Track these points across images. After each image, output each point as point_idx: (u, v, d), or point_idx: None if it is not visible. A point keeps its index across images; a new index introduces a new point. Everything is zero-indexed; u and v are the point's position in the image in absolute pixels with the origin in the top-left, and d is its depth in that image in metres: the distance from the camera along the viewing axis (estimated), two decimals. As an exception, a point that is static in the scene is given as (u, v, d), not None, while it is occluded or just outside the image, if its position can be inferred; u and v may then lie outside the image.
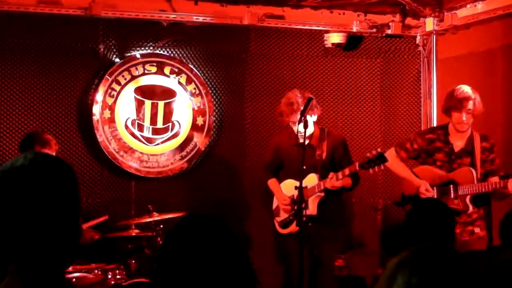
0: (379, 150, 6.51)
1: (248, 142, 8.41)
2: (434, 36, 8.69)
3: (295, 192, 6.79)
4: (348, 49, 8.76)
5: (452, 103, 6.71)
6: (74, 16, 7.80)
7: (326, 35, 8.63)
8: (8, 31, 7.69)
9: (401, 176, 7.09)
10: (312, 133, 7.05)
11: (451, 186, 6.71)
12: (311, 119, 6.97)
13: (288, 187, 7.12)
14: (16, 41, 7.72)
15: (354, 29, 8.66)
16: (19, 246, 2.23)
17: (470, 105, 6.67)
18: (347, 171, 6.68)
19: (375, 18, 8.71)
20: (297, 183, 6.66)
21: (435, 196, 6.72)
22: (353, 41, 8.73)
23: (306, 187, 6.81)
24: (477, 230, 6.73)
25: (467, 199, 6.65)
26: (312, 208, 6.92)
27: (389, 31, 8.71)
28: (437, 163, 6.85)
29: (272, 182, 7.36)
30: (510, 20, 7.87)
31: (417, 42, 8.87)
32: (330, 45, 8.63)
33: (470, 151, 6.80)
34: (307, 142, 6.78)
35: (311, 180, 6.89)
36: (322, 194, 6.92)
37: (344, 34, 8.60)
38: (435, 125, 8.48)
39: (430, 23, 8.57)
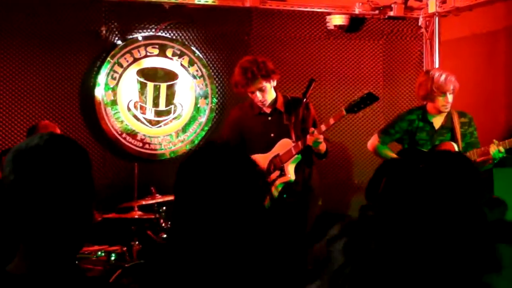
0: (366, 91, 6.44)
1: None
2: (437, 18, 8.67)
3: (264, 165, 6.61)
4: (350, 31, 8.73)
5: (435, 89, 6.88)
6: (76, -1, 7.80)
7: (328, 17, 8.61)
8: (10, 15, 7.67)
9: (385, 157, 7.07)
10: (276, 100, 6.81)
11: None
12: (271, 85, 6.72)
13: (258, 161, 6.84)
14: (17, 25, 7.70)
15: (357, 11, 8.64)
16: (30, 226, 2.24)
17: (452, 86, 6.88)
18: (331, 120, 6.38)
19: (378, 0, 8.68)
20: (265, 156, 6.50)
21: None
22: (356, 23, 8.71)
23: (278, 154, 6.62)
24: None
25: None
26: (290, 174, 6.61)
27: (391, 13, 8.69)
28: (419, 142, 7.04)
29: None
30: (512, 1, 7.86)
31: (419, 24, 8.84)
32: (332, 27, 8.61)
33: (449, 127, 7.01)
34: (270, 110, 6.70)
35: (284, 145, 6.64)
36: (299, 155, 6.53)
37: (346, 16, 8.57)
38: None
39: (432, 5, 8.54)
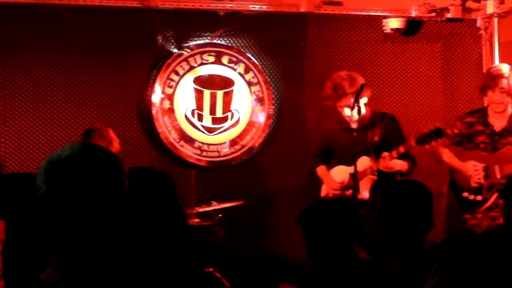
0: (436, 124, 6.45)
1: (307, 130, 8.32)
2: (496, 19, 8.53)
3: (346, 178, 6.75)
4: (407, 34, 8.62)
5: (486, 81, 6.74)
6: (132, 8, 7.84)
7: (384, 20, 8.51)
8: (67, 25, 7.76)
9: (445, 162, 7.02)
10: (364, 115, 6.83)
11: (496, 166, 6.68)
12: (362, 101, 6.79)
13: (339, 173, 7.01)
14: (75, 34, 7.79)
15: (413, 14, 8.52)
16: (64, 236, 2.24)
17: (503, 83, 6.65)
18: (401, 149, 6.54)
19: (435, 2, 8.56)
20: (349, 169, 6.55)
21: (482, 178, 6.70)
22: (413, 26, 8.60)
23: (357, 171, 6.60)
24: None
25: None
26: (364, 193, 6.75)
27: (449, 15, 8.56)
28: (480, 146, 6.83)
29: (320, 169, 7.28)
30: None
31: (477, 25, 8.71)
32: (389, 31, 8.51)
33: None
34: (357, 126, 6.69)
35: (363, 163, 6.71)
36: (375, 177, 6.76)
37: (403, 19, 8.47)
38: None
39: (490, 6, 8.40)
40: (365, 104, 6.90)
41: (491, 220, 6.71)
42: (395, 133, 6.93)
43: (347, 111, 6.79)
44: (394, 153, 6.59)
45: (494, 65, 6.88)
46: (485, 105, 7.12)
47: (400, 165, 6.74)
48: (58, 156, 2.27)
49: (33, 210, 2.27)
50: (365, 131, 6.84)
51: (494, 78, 6.68)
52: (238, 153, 8.26)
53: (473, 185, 6.81)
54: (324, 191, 7.22)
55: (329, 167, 7.25)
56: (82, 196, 2.22)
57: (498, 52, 8.57)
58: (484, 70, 8.58)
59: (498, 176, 6.69)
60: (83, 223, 2.22)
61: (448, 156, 7.01)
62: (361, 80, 6.85)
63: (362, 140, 6.72)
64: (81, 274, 2.24)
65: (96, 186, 2.24)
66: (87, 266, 2.25)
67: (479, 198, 6.81)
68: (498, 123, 6.83)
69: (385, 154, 6.60)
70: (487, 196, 6.77)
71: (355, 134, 6.68)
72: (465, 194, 6.86)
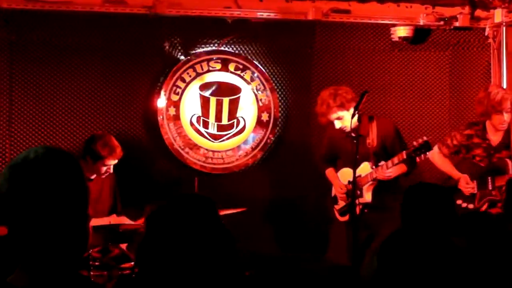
0: (425, 138, 6.67)
1: (314, 138, 8.31)
2: (504, 28, 8.49)
3: (351, 179, 6.92)
4: (415, 43, 8.63)
5: (490, 107, 6.91)
6: (139, 15, 7.89)
7: (392, 28, 8.52)
8: (74, 31, 7.84)
9: (444, 171, 7.33)
10: (360, 124, 6.96)
11: (489, 178, 6.98)
12: (349, 112, 6.98)
13: (346, 175, 7.22)
14: (82, 40, 7.87)
15: (421, 22, 8.52)
16: (28, 240, 2.27)
17: (509, 104, 6.88)
18: (395, 160, 6.80)
19: (443, 11, 8.55)
20: (350, 172, 6.77)
21: (475, 189, 7.02)
22: (421, 34, 8.60)
23: (360, 175, 6.89)
24: None
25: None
26: (366, 196, 7.04)
27: (457, 24, 8.55)
28: (476, 158, 7.10)
29: (329, 172, 7.51)
30: None
31: (486, 34, 8.67)
32: (397, 39, 8.52)
33: (508, 144, 7.00)
34: (355, 133, 6.89)
35: (364, 168, 6.96)
36: (376, 182, 7.02)
37: (411, 27, 8.47)
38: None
39: (499, 15, 8.38)
40: (358, 113, 6.99)
41: None
42: (393, 138, 7.14)
43: (337, 124, 7.08)
44: (390, 163, 6.83)
45: (490, 90, 7.02)
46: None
47: (397, 171, 6.97)
48: (22, 158, 2.31)
49: None
50: (363, 137, 6.98)
51: (500, 102, 6.89)
52: (243, 160, 8.29)
53: (466, 193, 7.08)
54: (334, 191, 7.45)
55: (337, 169, 7.47)
56: (43, 198, 2.25)
57: (506, 61, 8.53)
58: (493, 79, 8.58)
59: (490, 187, 6.98)
60: (45, 228, 2.26)
61: (444, 165, 7.31)
62: (348, 94, 7.09)
63: (361, 146, 6.84)
64: (48, 278, 2.26)
65: (57, 189, 2.28)
66: (54, 270, 2.28)
67: (471, 206, 7.09)
68: (494, 138, 7.07)
69: (382, 163, 6.86)
70: (479, 205, 7.05)
71: (355, 141, 6.85)
72: (459, 202, 7.06)
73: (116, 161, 7.06)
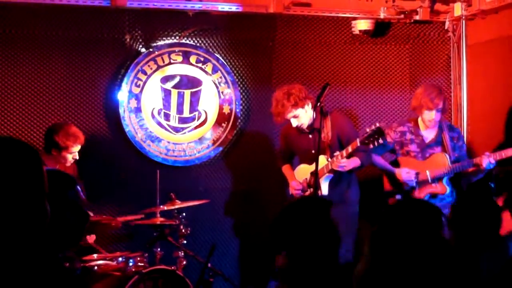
0: (377, 124, 6.71)
1: (275, 130, 8.29)
2: (463, 21, 8.57)
3: (308, 176, 7.11)
4: (376, 36, 8.68)
5: (423, 102, 7.21)
6: (100, 7, 7.86)
7: (353, 22, 8.56)
8: (35, 23, 7.80)
9: (381, 167, 7.52)
10: (314, 119, 7.15)
11: (427, 170, 7.24)
12: (304, 109, 7.16)
13: (302, 172, 7.35)
14: (43, 32, 7.83)
15: (382, 16, 8.57)
16: None
17: (441, 104, 7.21)
18: (349, 149, 6.87)
19: (403, 4, 8.60)
20: (309, 167, 6.95)
21: (414, 181, 7.26)
22: (381, 27, 8.65)
23: (316, 169, 6.89)
24: None
25: (444, 181, 7.26)
26: (323, 189, 7.11)
27: (417, 17, 8.61)
28: (410, 154, 7.42)
29: (285, 168, 7.65)
30: (538, 3, 7.74)
31: (446, 27, 8.75)
32: (357, 32, 8.56)
33: (440, 141, 7.36)
34: (309, 129, 7.12)
35: (321, 161, 6.97)
36: (332, 174, 7.10)
37: (371, 20, 8.52)
38: (465, 111, 8.57)
39: (458, 8, 8.45)
40: (313, 109, 7.18)
41: None
42: (348, 130, 7.26)
43: (294, 122, 7.21)
44: (344, 153, 6.91)
45: (426, 86, 7.32)
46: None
47: (352, 163, 7.04)
48: None
49: None
50: (318, 131, 6.96)
51: (433, 99, 7.17)
52: (205, 152, 8.29)
53: (406, 187, 7.34)
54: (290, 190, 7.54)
55: (294, 166, 7.58)
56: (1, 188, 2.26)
57: (466, 54, 8.61)
58: (453, 72, 8.66)
59: (430, 178, 7.24)
60: (2, 217, 2.26)
61: (381, 162, 7.53)
62: (301, 92, 7.19)
63: (318, 140, 6.85)
64: (9, 265, 2.27)
65: (14, 179, 2.28)
66: (13, 258, 2.28)
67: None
68: (427, 135, 7.40)
69: (337, 153, 6.94)
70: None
71: (310, 136, 7.07)
72: (398, 197, 7.35)
73: (79, 146, 7.08)
